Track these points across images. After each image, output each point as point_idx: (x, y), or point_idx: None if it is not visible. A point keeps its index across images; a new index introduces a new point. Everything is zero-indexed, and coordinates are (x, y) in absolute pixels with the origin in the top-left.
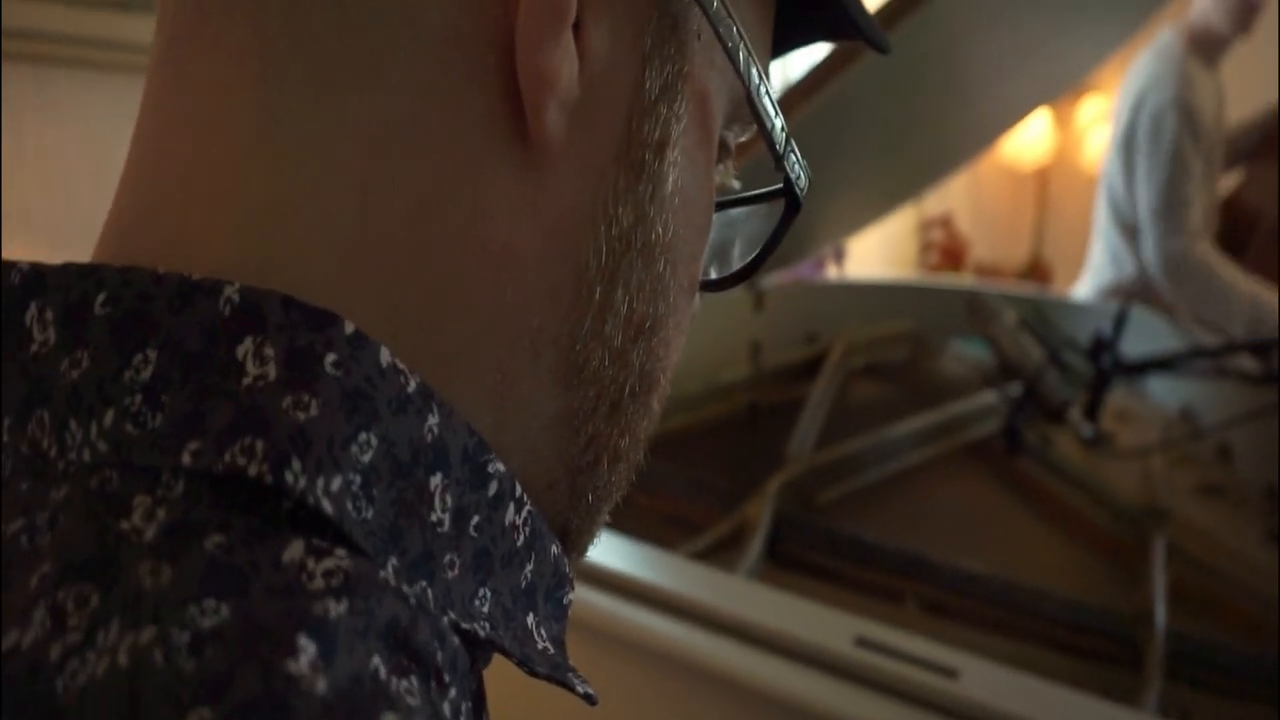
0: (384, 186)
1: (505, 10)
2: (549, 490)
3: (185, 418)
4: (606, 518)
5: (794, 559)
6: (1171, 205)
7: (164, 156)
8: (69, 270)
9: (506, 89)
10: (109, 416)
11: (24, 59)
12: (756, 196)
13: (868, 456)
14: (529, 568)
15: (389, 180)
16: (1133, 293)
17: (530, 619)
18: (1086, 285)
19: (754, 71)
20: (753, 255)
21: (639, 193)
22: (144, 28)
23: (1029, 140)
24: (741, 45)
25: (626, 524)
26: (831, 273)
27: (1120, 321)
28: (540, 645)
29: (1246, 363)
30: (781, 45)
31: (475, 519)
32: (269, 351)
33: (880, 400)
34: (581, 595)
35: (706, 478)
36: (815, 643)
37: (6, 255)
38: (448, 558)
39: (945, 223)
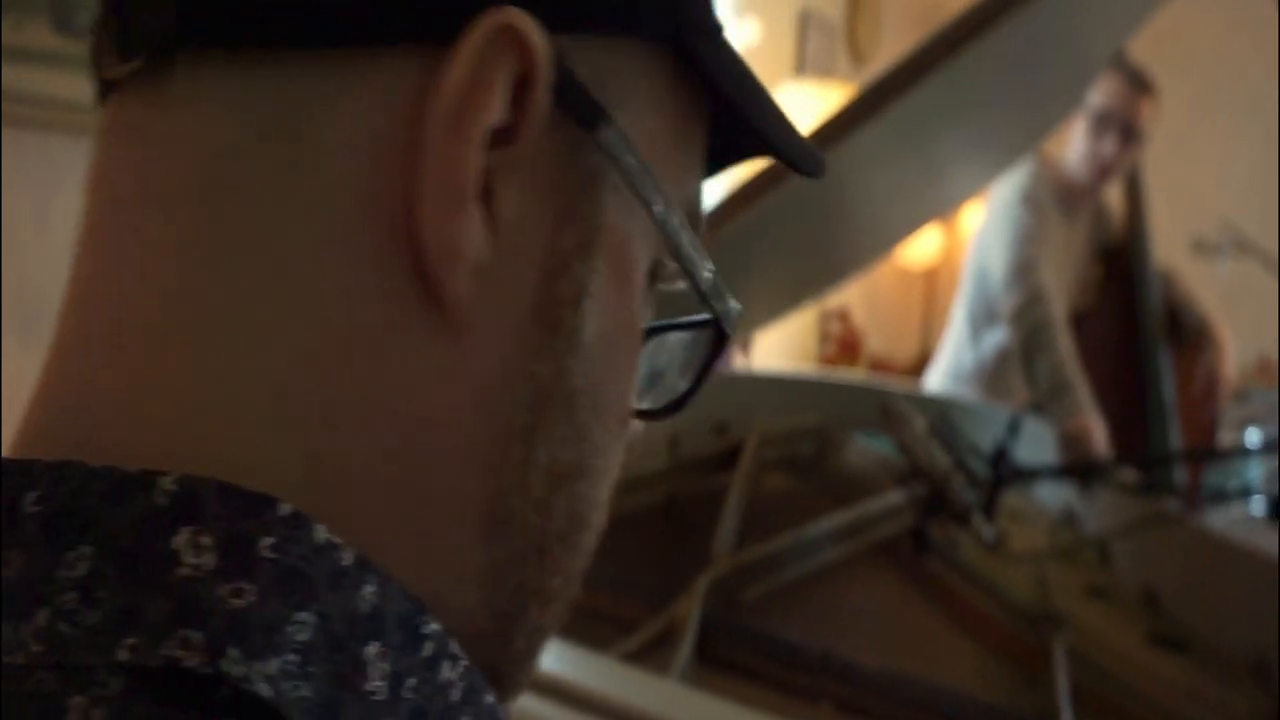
0: (296, 365)
1: (409, 186)
2: (477, 639)
3: (121, 613)
4: (539, 658)
5: (721, 659)
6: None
7: (85, 337)
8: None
9: (415, 259)
10: (43, 616)
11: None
12: (686, 324)
13: (789, 554)
14: None
15: (300, 358)
16: (969, 380)
17: None
18: (938, 370)
19: (673, 222)
20: (684, 389)
21: (556, 347)
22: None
23: (918, 243)
24: (657, 198)
25: None
26: (739, 362)
27: (1014, 429)
28: None
29: (1126, 475)
30: (721, 159)
31: (411, 681)
32: (205, 540)
33: (791, 494)
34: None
35: (630, 573)
36: None
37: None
38: None
39: (842, 316)
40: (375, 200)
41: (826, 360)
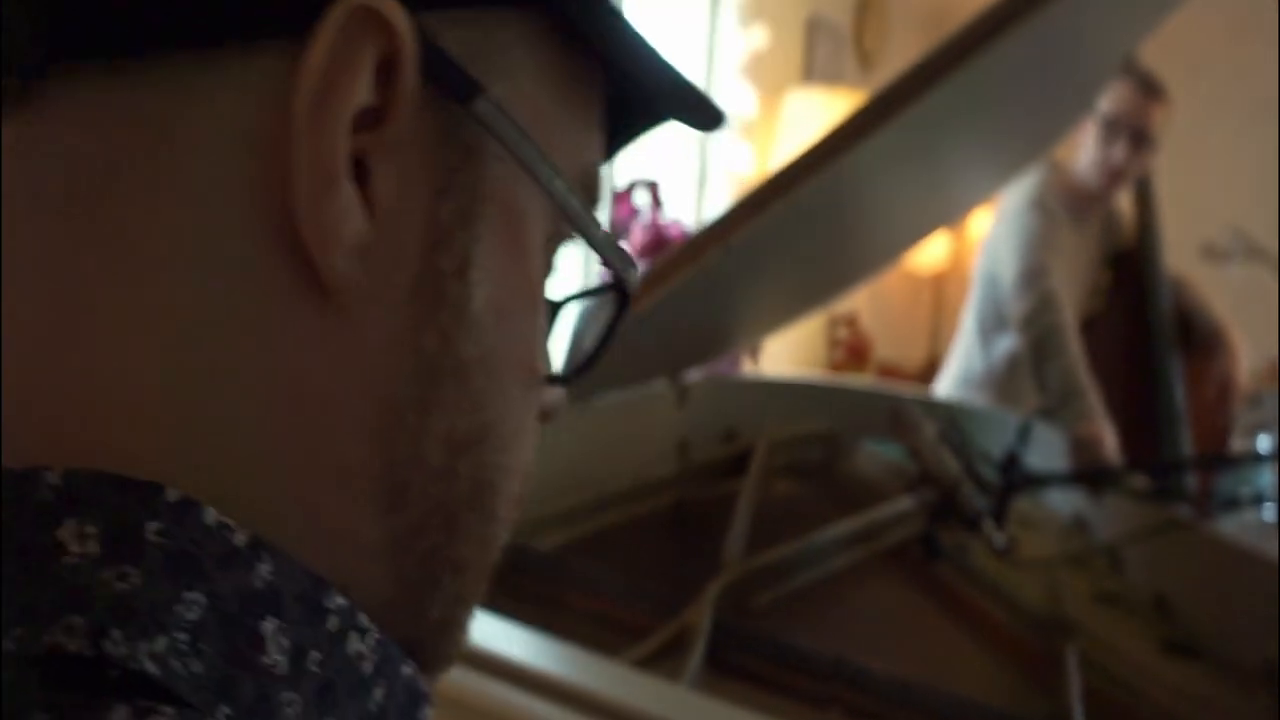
0: (182, 358)
1: (282, 174)
2: (388, 611)
3: (7, 606)
4: (466, 629)
5: (732, 665)
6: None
7: None
8: None
9: (295, 244)
10: None
11: None
12: (593, 291)
13: (800, 561)
14: (379, 692)
15: (186, 352)
16: (979, 386)
17: None
18: (948, 375)
19: (561, 188)
20: (588, 354)
21: (442, 319)
22: None
23: (926, 247)
24: (542, 165)
25: (561, 626)
26: (747, 367)
27: (1024, 435)
28: None
29: (1137, 481)
30: (630, 128)
31: (315, 655)
32: (90, 529)
33: (800, 500)
34: (527, 704)
35: (639, 579)
36: None
37: None
38: (285, 696)
39: (850, 322)
40: (251, 191)
41: (835, 366)
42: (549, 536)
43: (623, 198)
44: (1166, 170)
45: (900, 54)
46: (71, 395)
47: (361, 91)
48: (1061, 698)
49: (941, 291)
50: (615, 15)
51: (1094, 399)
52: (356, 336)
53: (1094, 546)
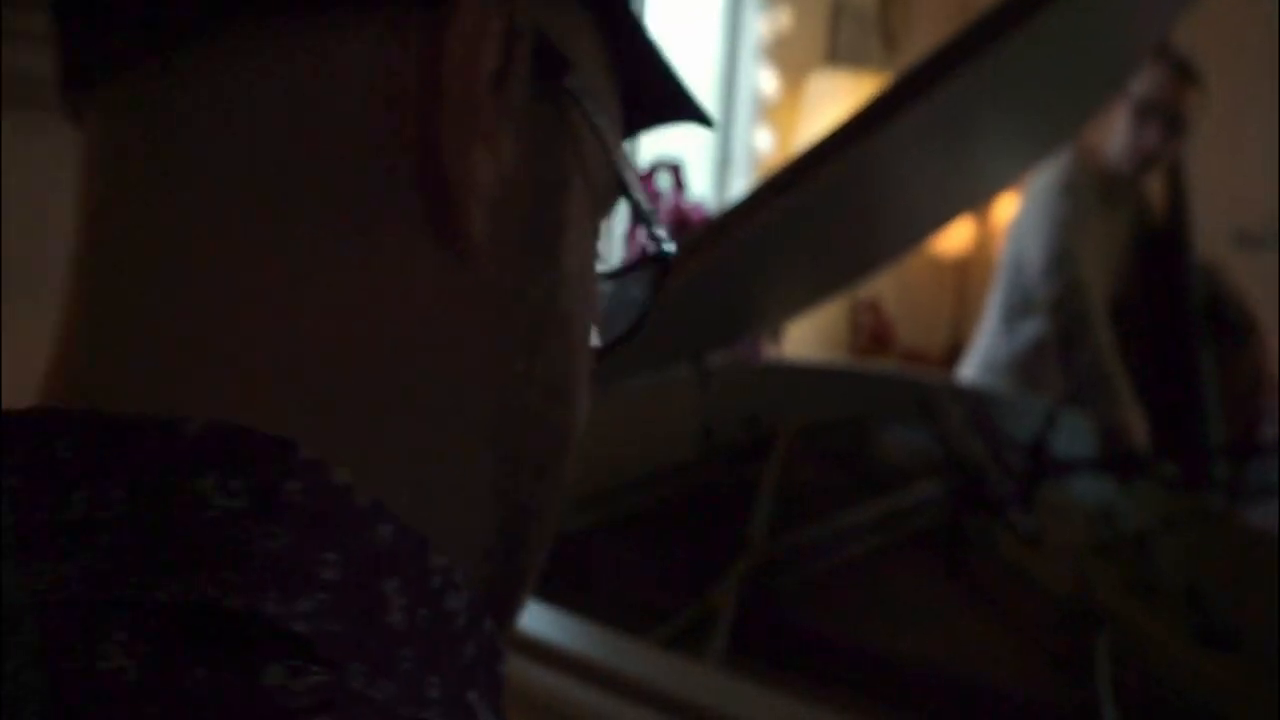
0: (313, 312)
1: (424, 123)
2: (487, 559)
3: (154, 551)
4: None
5: (756, 646)
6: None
7: (100, 299)
8: (26, 421)
9: (422, 195)
10: (80, 553)
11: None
12: (634, 265)
13: (824, 544)
14: (469, 648)
15: (317, 305)
16: (1003, 371)
17: (472, 695)
18: (972, 361)
19: (624, 160)
20: (634, 320)
21: (549, 273)
22: None
23: (950, 233)
24: (613, 139)
25: (587, 606)
26: (769, 352)
27: (1052, 421)
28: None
29: (1167, 470)
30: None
31: (423, 612)
32: (234, 484)
33: (824, 485)
34: (554, 683)
35: (663, 561)
36: None
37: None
38: (404, 653)
39: (873, 307)
40: (386, 143)
41: (857, 351)
42: (574, 519)
43: (645, 180)
44: (1202, 155)
45: (925, 36)
46: (200, 352)
47: (495, 56)
48: (1090, 687)
49: (965, 276)
50: (639, 18)
51: (1123, 386)
52: (477, 285)
53: (1123, 536)
